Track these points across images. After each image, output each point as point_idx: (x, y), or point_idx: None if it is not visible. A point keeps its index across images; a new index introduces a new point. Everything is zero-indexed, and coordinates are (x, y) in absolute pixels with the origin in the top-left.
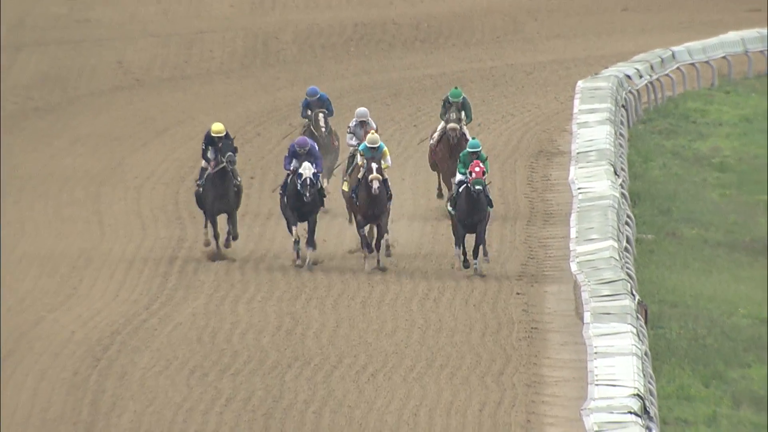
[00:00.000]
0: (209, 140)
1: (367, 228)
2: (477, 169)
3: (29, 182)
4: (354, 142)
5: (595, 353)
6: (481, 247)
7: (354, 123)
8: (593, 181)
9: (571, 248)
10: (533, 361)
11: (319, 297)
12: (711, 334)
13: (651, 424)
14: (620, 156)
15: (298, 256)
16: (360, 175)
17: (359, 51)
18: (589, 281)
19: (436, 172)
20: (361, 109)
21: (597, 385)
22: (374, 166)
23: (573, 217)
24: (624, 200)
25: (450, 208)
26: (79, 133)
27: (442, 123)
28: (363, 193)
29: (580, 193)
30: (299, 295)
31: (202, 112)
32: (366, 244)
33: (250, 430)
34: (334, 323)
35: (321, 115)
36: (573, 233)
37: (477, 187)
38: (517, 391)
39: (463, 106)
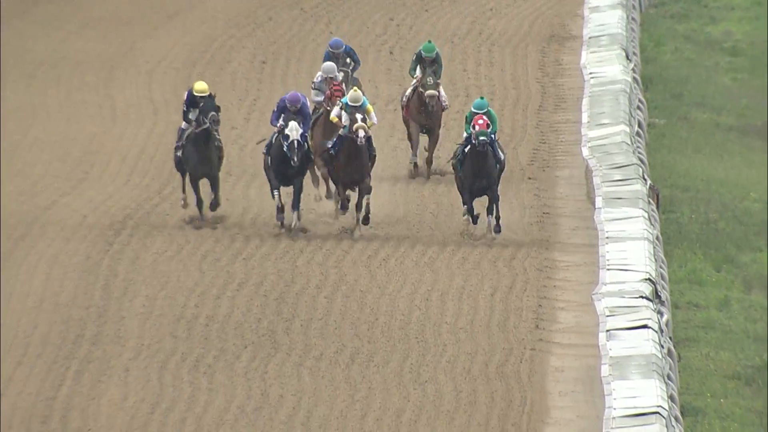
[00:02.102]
0: (191, 100)
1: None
2: (480, 121)
3: (40, 67)
4: (320, 98)
5: (607, 238)
6: (493, 213)
7: (319, 78)
8: (605, 65)
9: (582, 133)
10: (545, 245)
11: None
12: (722, 219)
13: (662, 309)
14: (632, 40)
15: (282, 226)
16: (340, 132)
17: None
18: (600, 166)
19: (409, 136)
20: (328, 64)
21: (608, 269)
22: (359, 116)
23: (585, 102)
24: (636, 85)
25: (457, 164)
26: (89, 16)
27: (414, 80)
28: (343, 152)
29: (592, 77)
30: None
31: None
32: (343, 204)
33: (262, 315)
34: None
35: (341, 75)
36: (585, 118)
37: (482, 138)
38: (529, 276)
39: (436, 62)
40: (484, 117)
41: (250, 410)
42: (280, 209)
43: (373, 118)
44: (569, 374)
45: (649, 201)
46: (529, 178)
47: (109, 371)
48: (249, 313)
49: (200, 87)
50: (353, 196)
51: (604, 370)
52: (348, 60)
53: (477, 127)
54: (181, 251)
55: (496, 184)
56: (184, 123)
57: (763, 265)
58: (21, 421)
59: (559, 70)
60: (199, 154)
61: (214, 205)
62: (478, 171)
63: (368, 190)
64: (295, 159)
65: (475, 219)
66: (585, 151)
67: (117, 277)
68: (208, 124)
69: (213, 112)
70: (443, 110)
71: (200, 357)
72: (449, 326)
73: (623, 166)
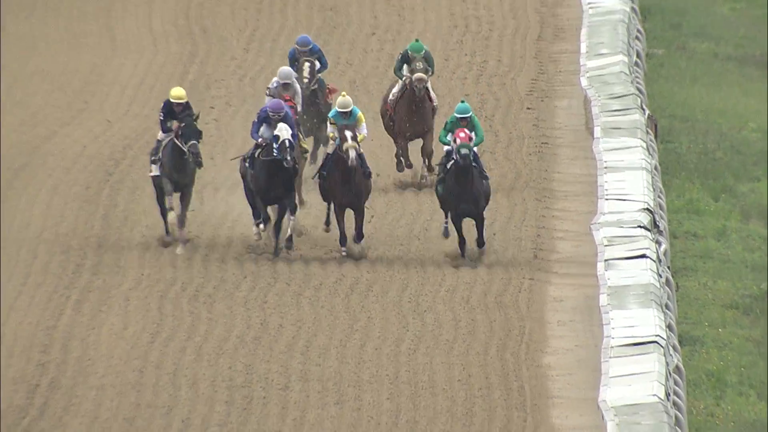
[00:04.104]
0: (168, 109)
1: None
2: (462, 134)
3: None
4: None
5: (605, 168)
6: (481, 239)
7: (275, 84)
8: None
9: (581, 63)
10: (543, 175)
11: None
12: (721, 148)
13: (660, 238)
14: None
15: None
16: (329, 150)
17: None
18: (599, 96)
19: (394, 140)
20: (285, 69)
21: (607, 199)
22: (348, 133)
23: (583, 32)
24: (634, 15)
25: (438, 187)
26: None
27: (400, 81)
28: (336, 171)
29: (591, 7)
30: None
31: None
32: (341, 235)
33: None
34: None
35: (307, 65)
36: (583, 48)
37: (463, 150)
38: (527, 206)
39: (426, 60)
40: (466, 130)
41: (249, 339)
42: (261, 232)
43: (363, 130)
44: (568, 304)
45: (647, 131)
46: (528, 109)
47: (109, 301)
48: (248, 243)
49: (177, 93)
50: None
51: (603, 299)
52: (315, 61)
53: (458, 140)
54: None
55: (484, 206)
56: (160, 133)
57: (762, 195)
58: (22, 350)
59: (558, 0)
60: (176, 167)
61: (183, 220)
62: (463, 191)
63: (362, 215)
64: (288, 159)
65: (463, 251)
66: (583, 82)
67: (117, 207)
68: (187, 154)
69: (193, 141)
70: (434, 111)
71: (200, 287)
72: (448, 256)
73: (622, 96)
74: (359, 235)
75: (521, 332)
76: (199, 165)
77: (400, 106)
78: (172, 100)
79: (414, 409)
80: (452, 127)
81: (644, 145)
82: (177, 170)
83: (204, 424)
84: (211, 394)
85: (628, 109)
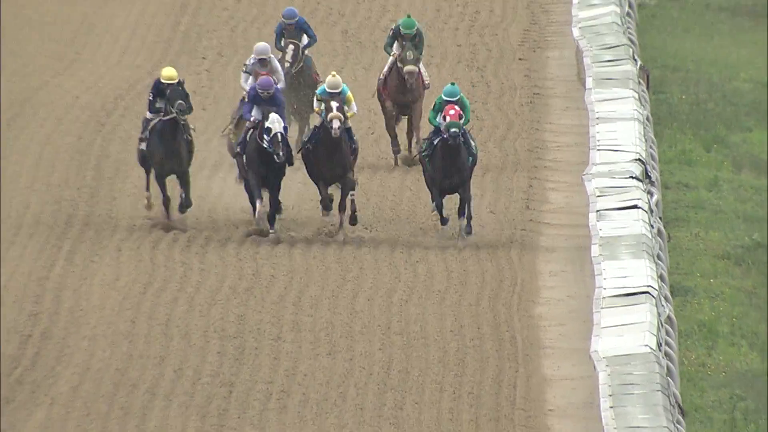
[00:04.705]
0: (158, 89)
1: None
2: (452, 111)
3: None
4: (248, 84)
5: (597, 118)
6: (465, 214)
7: (252, 61)
8: None
9: (573, 13)
10: (535, 126)
11: None
12: (712, 99)
13: (652, 189)
14: None
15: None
16: (318, 123)
17: None
18: (591, 46)
19: (387, 120)
20: (261, 44)
21: (599, 150)
22: (334, 104)
23: None
24: None
25: (425, 159)
26: None
27: (390, 58)
28: (321, 145)
29: None
30: None
31: None
32: (325, 204)
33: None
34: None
35: (291, 47)
36: None
37: (453, 129)
38: (519, 156)
39: (417, 39)
40: (456, 107)
41: (241, 290)
42: (260, 216)
43: (354, 107)
44: (559, 254)
45: (639, 81)
46: (520, 59)
47: (101, 251)
48: (240, 195)
49: (168, 74)
50: (336, 195)
51: (594, 250)
52: (302, 35)
53: (448, 118)
54: None
55: (468, 181)
56: (149, 113)
57: (753, 145)
58: (14, 301)
59: None
60: (165, 148)
61: (184, 206)
62: (449, 167)
63: (352, 186)
64: (280, 154)
65: (444, 220)
66: (575, 32)
67: (109, 157)
68: (174, 113)
69: (180, 101)
70: (425, 89)
71: (192, 237)
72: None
73: (613, 47)
74: (353, 217)
75: (513, 283)
76: (184, 113)
77: (391, 82)
78: (162, 81)
79: (406, 360)
80: (441, 107)
81: (636, 95)
82: (168, 155)
83: (196, 374)
84: (203, 345)
85: (619, 59)
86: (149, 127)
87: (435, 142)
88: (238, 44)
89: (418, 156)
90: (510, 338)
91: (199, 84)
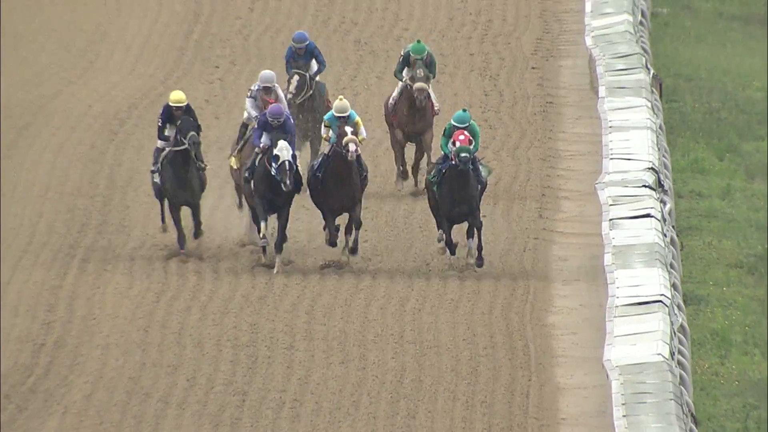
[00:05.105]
0: (167, 114)
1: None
2: (461, 137)
3: None
4: (254, 111)
5: (610, 127)
6: (474, 238)
7: (257, 87)
8: None
9: (586, 22)
10: (548, 135)
11: None
12: (725, 108)
13: (665, 198)
14: None
15: (264, 252)
16: (327, 150)
17: None
18: (604, 55)
19: (394, 147)
20: (267, 72)
21: (612, 159)
22: (348, 128)
23: None
24: None
25: (433, 186)
26: None
27: (401, 83)
28: (331, 172)
29: None
30: None
31: None
32: (332, 242)
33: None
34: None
35: (296, 78)
36: (588, 7)
37: (463, 154)
38: (532, 165)
39: (428, 64)
40: (466, 132)
41: (254, 299)
42: (265, 242)
43: (363, 132)
44: (572, 263)
45: (652, 90)
46: (533, 68)
47: (114, 260)
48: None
49: (176, 97)
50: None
51: (607, 259)
52: (311, 61)
53: (458, 143)
54: None
55: (477, 209)
56: (159, 142)
57: (766, 154)
58: (27, 309)
59: None
60: (178, 179)
61: (197, 233)
62: (459, 195)
63: (358, 224)
64: (287, 182)
65: (453, 249)
66: (588, 41)
67: (122, 166)
68: (186, 146)
69: (193, 132)
70: (434, 114)
71: (205, 246)
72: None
73: (626, 56)
74: (354, 248)
75: (526, 292)
76: (196, 146)
77: (400, 107)
78: (171, 104)
79: (419, 369)
80: (451, 133)
81: (649, 104)
82: (181, 186)
83: (209, 383)
84: (216, 354)
85: (632, 68)
86: (160, 159)
87: (443, 170)
88: (251, 53)
89: (425, 180)
90: (523, 347)
91: (212, 93)
